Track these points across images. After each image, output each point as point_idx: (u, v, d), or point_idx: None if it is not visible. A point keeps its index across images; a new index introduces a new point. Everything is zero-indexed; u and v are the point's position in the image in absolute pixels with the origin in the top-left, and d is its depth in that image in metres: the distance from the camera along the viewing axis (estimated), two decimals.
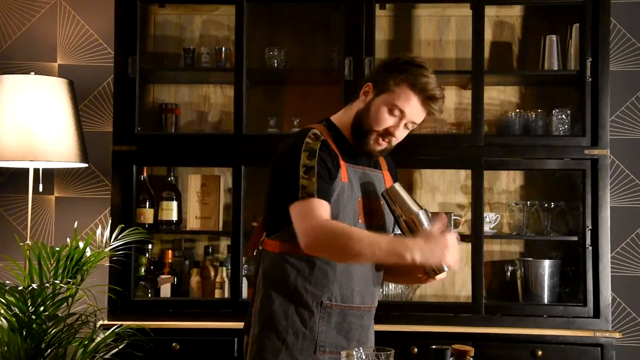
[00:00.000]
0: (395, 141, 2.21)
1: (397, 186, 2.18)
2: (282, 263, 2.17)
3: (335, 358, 2.16)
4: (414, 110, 2.16)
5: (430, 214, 2.19)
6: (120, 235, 3.10)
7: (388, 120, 2.16)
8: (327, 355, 2.16)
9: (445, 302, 3.57)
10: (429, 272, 2.17)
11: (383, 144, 2.19)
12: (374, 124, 2.17)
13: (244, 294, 3.35)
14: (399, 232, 2.24)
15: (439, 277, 2.18)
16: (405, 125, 2.20)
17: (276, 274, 2.18)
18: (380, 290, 3.47)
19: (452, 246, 2.02)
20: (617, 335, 3.23)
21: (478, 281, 3.30)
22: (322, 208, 2.05)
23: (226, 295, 3.40)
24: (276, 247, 2.18)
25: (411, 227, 2.14)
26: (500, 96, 3.71)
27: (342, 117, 2.26)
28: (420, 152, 3.38)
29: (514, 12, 3.72)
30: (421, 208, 2.17)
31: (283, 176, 2.14)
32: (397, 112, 2.16)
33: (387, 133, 2.17)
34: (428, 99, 2.15)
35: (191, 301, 3.41)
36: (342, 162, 2.17)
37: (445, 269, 2.14)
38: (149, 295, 3.43)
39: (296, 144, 2.13)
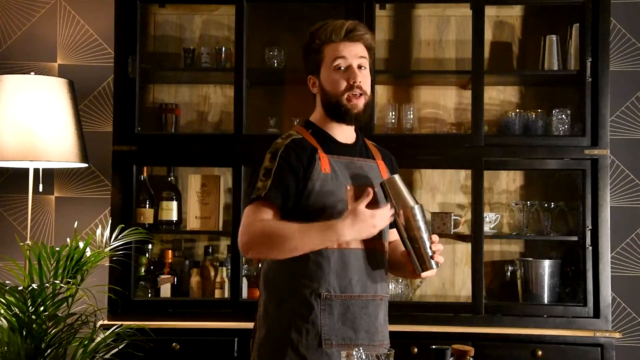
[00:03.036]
0: (365, 87, 2.22)
1: (397, 178, 2.16)
2: (277, 264, 2.19)
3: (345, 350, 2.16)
4: (349, 50, 2.21)
5: (424, 211, 2.18)
6: (120, 235, 3.10)
7: (341, 76, 2.21)
8: (335, 348, 2.14)
9: (445, 302, 3.57)
10: (415, 269, 2.17)
11: (358, 99, 2.21)
12: (336, 89, 2.21)
13: (244, 294, 3.35)
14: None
15: (424, 274, 2.18)
16: (359, 68, 2.22)
17: (274, 276, 2.21)
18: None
19: (378, 214, 2.06)
20: (617, 335, 3.23)
21: (478, 281, 3.30)
22: (266, 210, 2.11)
23: (226, 295, 3.40)
24: None
25: (405, 220, 2.13)
26: (500, 96, 3.71)
27: (316, 114, 2.31)
28: (420, 152, 3.38)
29: (514, 12, 3.72)
30: (417, 203, 2.15)
31: (250, 176, 2.23)
32: (340, 63, 2.21)
33: (351, 86, 2.20)
34: (347, 33, 2.22)
35: (191, 301, 3.41)
36: (322, 155, 2.18)
37: (434, 266, 2.16)
38: (149, 295, 3.43)
39: (270, 147, 2.21)
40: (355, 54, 2.22)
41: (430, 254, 2.15)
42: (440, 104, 3.72)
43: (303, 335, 2.14)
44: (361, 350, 1.83)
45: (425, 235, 2.14)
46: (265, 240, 2.08)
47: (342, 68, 2.21)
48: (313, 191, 2.14)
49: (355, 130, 2.33)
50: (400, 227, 2.15)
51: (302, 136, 2.22)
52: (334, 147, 2.24)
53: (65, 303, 2.96)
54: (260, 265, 2.33)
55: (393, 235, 2.30)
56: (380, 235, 2.21)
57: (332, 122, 2.25)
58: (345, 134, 2.28)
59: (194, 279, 3.46)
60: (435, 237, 2.18)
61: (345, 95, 2.20)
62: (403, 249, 2.20)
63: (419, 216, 2.13)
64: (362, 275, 2.20)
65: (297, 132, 2.24)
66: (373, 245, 2.22)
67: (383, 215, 2.08)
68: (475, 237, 3.33)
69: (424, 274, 2.18)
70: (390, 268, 2.35)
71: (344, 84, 2.20)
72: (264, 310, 2.22)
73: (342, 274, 2.17)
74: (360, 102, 2.21)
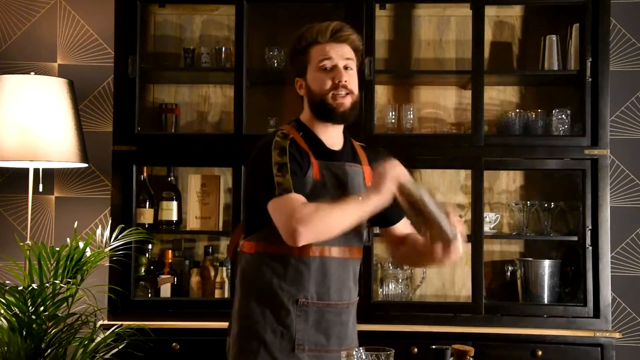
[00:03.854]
0: (352, 86, 2.21)
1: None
2: (258, 263, 2.18)
3: (315, 356, 2.17)
4: (334, 50, 2.21)
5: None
6: (120, 235, 3.10)
7: (327, 76, 2.20)
8: (307, 353, 2.16)
9: (445, 302, 3.57)
10: (440, 240, 2.08)
11: (343, 98, 2.20)
12: (322, 89, 2.19)
13: None
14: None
15: (454, 251, 2.08)
16: (345, 68, 2.21)
17: (252, 274, 2.20)
18: (380, 290, 3.47)
19: (390, 171, 2.06)
20: (617, 335, 3.23)
21: (478, 281, 3.30)
22: (301, 201, 2.06)
23: (226, 295, 3.40)
24: (252, 248, 2.20)
25: (416, 208, 2.09)
26: (500, 96, 3.71)
27: (304, 116, 2.29)
28: (420, 152, 3.38)
29: (514, 12, 3.72)
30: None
31: (257, 176, 2.16)
32: (326, 63, 2.20)
33: (336, 85, 2.19)
34: (334, 34, 2.21)
35: (191, 301, 3.41)
36: (313, 160, 2.17)
37: (458, 237, 2.07)
38: (149, 295, 3.43)
39: (267, 143, 2.16)
40: (341, 55, 2.21)
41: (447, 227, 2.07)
42: (440, 104, 3.72)
43: (277, 338, 2.14)
44: (361, 350, 1.83)
45: (437, 211, 2.08)
46: (320, 225, 2.02)
47: (328, 68, 2.20)
48: (304, 195, 2.12)
49: (344, 133, 2.32)
50: (413, 217, 2.12)
51: (293, 137, 2.19)
52: (323, 152, 2.22)
53: (65, 303, 2.96)
54: (236, 260, 2.30)
55: (408, 226, 2.33)
56: (360, 239, 2.26)
57: (319, 123, 2.24)
58: (333, 138, 2.26)
59: (194, 279, 3.47)
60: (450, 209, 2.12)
61: (331, 94, 2.19)
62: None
63: (425, 196, 2.08)
64: (339, 284, 2.21)
65: (288, 132, 2.20)
66: (353, 254, 2.24)
67: (392, 170, 2.08)
68: (475, 237, 3.33)
69: (453, 251, 2.09)
70: (411, 257, 2.35)
71: (329, 83, 2.19)
72: (239, 306, 2.22)
73: (321, 282, 2.17)
74: (347, 101, 2.20)
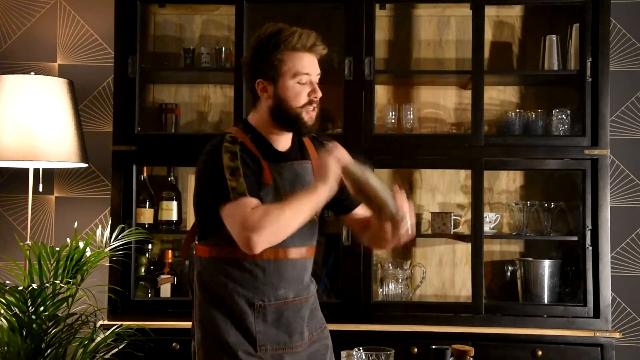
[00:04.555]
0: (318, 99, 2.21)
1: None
2: (213, 268, 2.17)
3: (279, 354, 2.16)
4: (312, 64, 2.18)
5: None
6: (120, 235, 3.11)
7: (304, 90, 2.17)
8: (269, 352, 2.16)
9: (445, 302, 3.57)
10: (388, 220, 2.05)
11: (314, 112, 2.19)
12: (296, 103, 2.16)
13: None
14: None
15: (403, 231, 2.06)
16: (316, 81, 2.20)
17: (209, 279, 2.19)
18: (380, 290, 3.47)
19: (332, 157, 2.05)
20: (617, 335, 3.23)
21: (478, 281, 3.30)
22: (252, 206, 2.02)
23: None
24: (206, 252, 2.19)
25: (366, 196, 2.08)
26: (500, 96, 3.71)
27: (255, 118, 2.24)
28: (420, 152, 3.38)
29: (514, 12, 3.72)
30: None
31: (208, 181, 2.12)
32: (304, 78, 2.16)
33: (311, 101, 2.18)
34: (312, 46, 2.18)
35: (191, 301, 3.40)
36: (264, 164, 2.15)
37: (406, 217, 2.05)
38: (149, 295, 3.43)
39: (215, 147, 2.12)
40: (315, 68, 2.19)
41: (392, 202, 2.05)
42: (440, 104, 3.72)
43: (240, 340, 2.14)
44: (361, 350, 1.83)
45: (380, 187, 2.05)
46: (275, 227, 1.99)
47: (305, 81, 2.17)
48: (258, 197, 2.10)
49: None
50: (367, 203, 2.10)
51: (241, 140, 2.15)
52: (271, 155, 2.20)
53: (65, 303, 2.96)
54: (192, 265, 2.28)
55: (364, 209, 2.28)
56: (314, 238, 2.26)
57: (275, 129, 2.21)
58: (283, 141, 2.24)
59: None
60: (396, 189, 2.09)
61: (304, 110, 2.17)
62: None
63: (370, 178, 2.06)
64: (296, 283, 2.21)
65: (237, 136, 2.16)
66: (306, 253, 2.24)
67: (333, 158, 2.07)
68: (475, 237, 3.33)
69: (401, 228, 2.06)
70: (367, 239, 2.32)
71: (305, 98, 2.17)
72: (199, 312, 2.21)
73: (277, 285, 2.17)
74: (314, 114, 2.20)
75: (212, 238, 2.18)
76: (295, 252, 2.19)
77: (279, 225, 2.00)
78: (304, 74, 2.16)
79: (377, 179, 2.07)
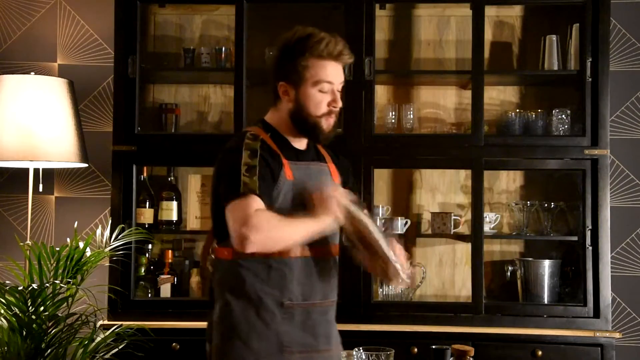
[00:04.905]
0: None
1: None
2: (237, 268, 2.14)
3: (304, 357, 2.14)
4: (336, 73, 2.18)
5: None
6: (120, 235, 3.11)
7: (325, 99, 2.17)
8: (297, 355, 2.13)
9: (445, 302, 3.57)
10: (382, 265, 2.11)
11: (333, 119, 2.20)
12: (317, 111, 2.16)
13: None
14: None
15: (394, 278, 2.11)
16: (338, 89, 2.20)
17: (232, 281, 2.16)
18: (380, 290, 3.47)
19: (334, 194, 2.07)
20: (617, 335, 3.23)
21: (478, 281, 3.30)
22: (258, 203, 2.02)
23: None
24: (229, 254, 2.15)
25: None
26: (500, 96, 3.71)
27: (274, 117, 2.24)
28: (420, 152, 3.38)
29: (514, 12, 3.72)
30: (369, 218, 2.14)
31: (225, 177, 2.11)
32: (326, 87, 2.16)
33: (331, 111, 2.18)
34: (339, 55, 2.17)
35: (191, 301, 3.41)
36: (284, 161, 2.15)
37: (398, 267, 2.09)
38: (149, 295, 3.42)
39: (236, 145, 2.12)
40: (339, 78, 2.19)
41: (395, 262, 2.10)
42: (440, 104, 3.72)
43: (263, 343, 2.11)
44: (361, 350, 1.83)
45: (383, 245, 2.10)
46: (274, 229, 1.99)
47: (327, 90, 2.17)
48: (279, 197, 2.11)
49: None
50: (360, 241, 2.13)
51: (262, 138, 2.16)
52: (291, 153, 2.20)
53: (65, 303, 2.96)
54: (212, 268, 2.26)
55: None
56: (339, 237, 2.24)
57: (294, 132, 2.21)
58: (300, 141, 2.25)
59: (194, 279, 3.46)
60: (398, 250, 2.14)
61: (324, 118, 2.17)
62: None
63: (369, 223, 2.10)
64: (323, 283, 2.20)
65: (256, 133, 2.17)
66: (332, 251, 2.23)
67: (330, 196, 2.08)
68: (475, 237, 3.33)
69: (400, 276, 2.12)
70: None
71: (325, 107, 2.17)
72: (220, 314, 2.18)
73: (305, 283, 2.16)
74: (333, 121, 2.20)
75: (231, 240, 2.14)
76: (321, 250, 2.18)
77: (277, 234, 2.01)
78: (327, 82, 2.15)
79: (375, 225, 2.10)
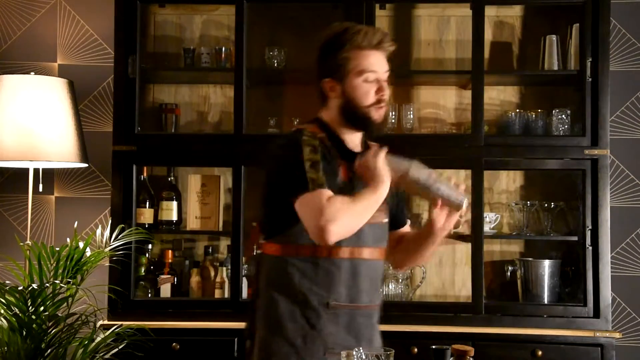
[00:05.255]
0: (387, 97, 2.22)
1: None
2: (285, 265, 2.12)
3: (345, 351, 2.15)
4: (379, 62, 2.17)
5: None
6: (120, 235, 3.10)
7: (371, 88, 2.16)
8: (338, 357, 2.09)
9: (445, 302, 3.57)
10: (449, 206, 2.15)
11: (383, 110, 2.19)
12: (365, 101, 2.15)
13: (244, 294, 3.35)
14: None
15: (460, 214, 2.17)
16: (384, 79, 2.19)
17: (279, 277, 2.14)
18: (380, 289, 3.47)
19: (377, 157, 2.07)
20: (617, 335, 3.24)
21: (478, 281, 3.30)
22: (328, 197, 2.00)
23: (226, 295, 3.40)
24: (277, 250, 2.14)
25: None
26: (500, 96, 3.71)
27: (328, 116, 2.23)
28: (420, 152, 3.33)
29: (514, 12, 3.72)
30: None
31: (286, 174, 2.09)
32: (371, 76, 2.15)
33: (379, 99, 2.17)
34: (379, 44, 2.16)
35: (191, 301, 3.41)
36: (340, 162, 2.16)
37: (463, 202, 2.13)
38: (149, 295, 3.43)
39: (295, 141, 2.10)
40: (383, 67, 2.17)
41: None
42: (440, 104, 3.72)
43: (308, 342, 2.10)
44: (361, 350, 1.83)
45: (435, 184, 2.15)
46: (349, 213, 1.98)
47: (372, 79, 2.15)
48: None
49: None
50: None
51: (320, 136, 2.15)
52: (347, 154, 2.19)
53: (65, 303, 2.96)
54: (256, 264, 2.24)
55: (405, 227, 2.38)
56: (386, 240, 2.24)
57: (346, 128, 2.21)
58: (355, 141, 2.24)
59: (194, 279, 3.47)
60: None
61: (373, 108, 2.16)
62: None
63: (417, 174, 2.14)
64: (369, 286, 2.19)
65: (314, 132, 2.16)
66: (378, 255, 2.22)
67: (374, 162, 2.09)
68: (475, 237, 3.33)
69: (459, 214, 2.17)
70: (410, 256, 2.35)
71: (373, 97, 2.16)
72: (266, 309, 2.16)
73: (352, 284, 2.14)
74: (383, 112, 2.20)
75: (282, 236, 2.14)
76: (369, 252, 2.17)
77: (352, 218, 2.00)
78: (371, 71, 2.14)
79: (427, 172, 2.15)
